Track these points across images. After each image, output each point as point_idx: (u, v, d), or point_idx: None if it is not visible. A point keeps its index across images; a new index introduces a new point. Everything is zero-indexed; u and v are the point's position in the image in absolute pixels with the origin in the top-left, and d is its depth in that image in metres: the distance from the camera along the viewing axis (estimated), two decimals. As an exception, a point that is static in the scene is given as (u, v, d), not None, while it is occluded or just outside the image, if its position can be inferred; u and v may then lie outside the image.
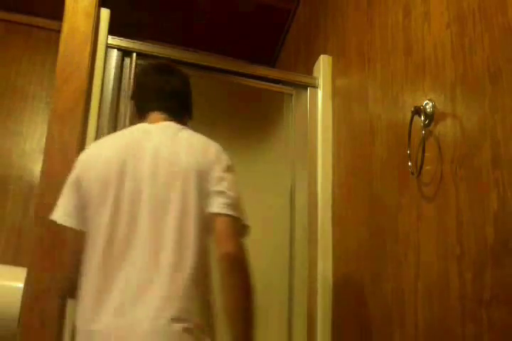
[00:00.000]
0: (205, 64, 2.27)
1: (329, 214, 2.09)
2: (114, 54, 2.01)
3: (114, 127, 1.91)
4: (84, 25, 1.92)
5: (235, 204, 1.39)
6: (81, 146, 1.81)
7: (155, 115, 1.54)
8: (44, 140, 1.80)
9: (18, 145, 2.67)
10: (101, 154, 1.44)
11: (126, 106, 1.95)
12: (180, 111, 1.59)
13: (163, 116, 1.53)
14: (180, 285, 1.26)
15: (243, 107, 2.59)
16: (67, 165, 1.74)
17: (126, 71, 2.01)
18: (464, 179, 1.29)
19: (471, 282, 1.22)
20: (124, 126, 1.88)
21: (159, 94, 1.57)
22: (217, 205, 1.37)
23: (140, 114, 1.59)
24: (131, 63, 2.01)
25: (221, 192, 1.38)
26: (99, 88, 1.93)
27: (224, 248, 1.34)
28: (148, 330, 1.20)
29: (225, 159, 1.45)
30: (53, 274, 1.61)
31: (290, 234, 2.18)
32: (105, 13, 2.02)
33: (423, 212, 1.45)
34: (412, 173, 1.48)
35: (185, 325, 1.22)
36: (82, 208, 1.39)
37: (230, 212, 1.37)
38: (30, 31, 2.81)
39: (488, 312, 1.15)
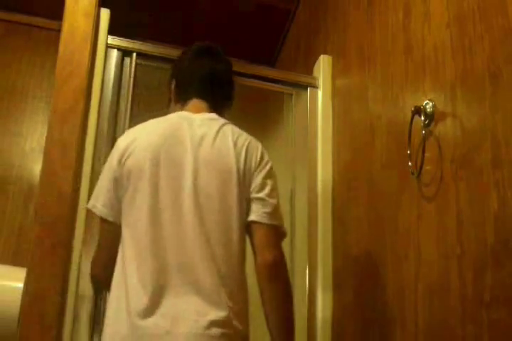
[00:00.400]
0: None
1: (329, 214, 2.09)
2: (114, 54, 2.01)
3: (114, 127, 1.91)
4: (84, 25, 1.92)
5: (275, 212, 1.38)
6: (81, 146, 1.81)
7: (196, 103, 1.49)
8: (44, 140, 1.80)
9: (18, 145, 2.67)
10: (140, 141, 1.38)
11: (126, 106, 1.95)
12: (222, 102, 1.54)
13: (205, 105, 1.49)
14: (225, 290, 1.25)
15: (243, 107, 2.59)
16: (67, 165, 1.75)
17: (126, 71, 2.01)
18: (464, 179, 1.29)
19: (472, 282, 1.22)
20: (124, 126, 1.88)
21: (205, 81, 1.51)
22: (257, 213, 1.36)
23: (178, 98, 1.53)
24: (131, 63, 2.01)
25: (262, 200, 1.37)
26: (99, 88, 1.92)
27: (266, 256, 1.33)
28: (185, 332, 1.19)
29: (267, 163, 1.43)
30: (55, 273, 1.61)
31: (290, 234, 2.18)
32: (105, 13, 2.01)
33: (423, 212, 1.45)
34: (412, 173, 1.48)
35: (224, 330, 1.21)
36: (118, 198, 1.36)
37: (270, 221, 1.36)
38: (30, 31, 2.81)
39: (488, 312, 1.15)
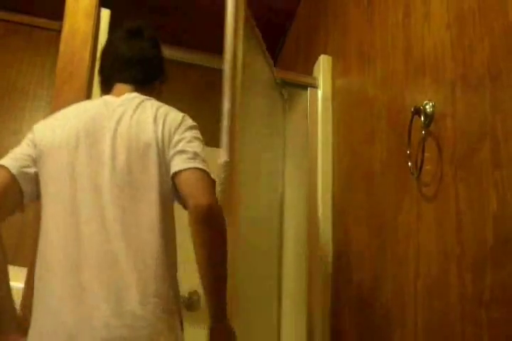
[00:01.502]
0: (205, 64, 2.27)
1: (329, 214, 2.09)
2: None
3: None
4: (84, 25, 1.92)
5: (199, 158, 1.29)
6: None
7: (120, 87, 1.44)
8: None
9: (18, 144, 2.67)
10: (61, 126, 1.35)
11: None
12: (148, 79, 1.48)
13: (129, 87, 1.43)
14: (147, 269, 1.19)
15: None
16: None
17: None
18: (463, 179, 1.30)
19: (471, 282, 1.22)
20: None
21: (124, 62, 1.46)
22: (178, 162, 1.27)
23: (105, 87, 1.49)
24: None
25: (181, 151, 1.29)
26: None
27: (196, 199, 1.22)
28: (110, 315, 1.13)
29: (186, 123, 1.35)
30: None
31: (279, 236, 2.19)
32: (105, 13, 2.02)
33: (423, 212, 1.45)
34: (412, 173, 1.48)
35: (153, 308, 1.16)
36: (33, 169, 1.33)
37: (195, 165, 1.27)
38: (31, 32, 2.82)
39: (487, 312, 1.15)
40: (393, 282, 1.58)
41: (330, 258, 2.03)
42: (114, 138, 1.30)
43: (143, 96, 1.41)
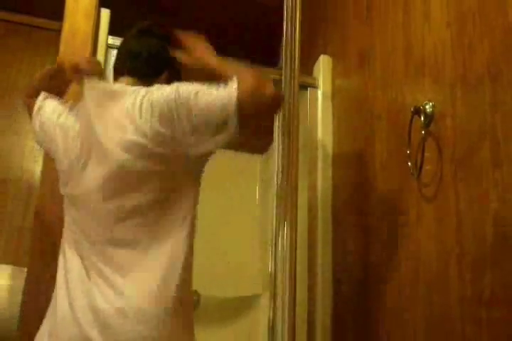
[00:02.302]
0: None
1: (329, 215, 2.09)
2: (115, 54, 2.01)
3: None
4: (84, 25, 1.92)
5: (213, 105, 1.24)
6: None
7: (122, 80, 1.46)
8: (44, 140, 1.79)
9: (18, 144, 2.68)
10: (74, 120, 1.44)
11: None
12: (152, 72, 1.48)
13: (131, 80, 1.44)
14: (154, 271, 1.22)
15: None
16: (68, 165, 1.75)
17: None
18: (463, 179, 1.30)
19: (471, 282, 1.22)
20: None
21: (131, 57, 1.49)
22: (201, 140, 1.25)
23: (114, 80, 1.51)
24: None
25: (193, 132, 1.25)
26: (100, 88, 1.93)
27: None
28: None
29: (168, 99, 1.27)
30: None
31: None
32: (105, 14, 2.02)
33: (423, 212, 1.46)
34: (412, 173, 1.48)
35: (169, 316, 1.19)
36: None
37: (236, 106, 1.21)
38: (31, 32, 2.82)
39: (487, 312, 1.15)
40: (393, 281, 1.58)
41: (330, 259, 2.03)
42: (105, 141, 1.32)
43: (136, 88, 1.37)
